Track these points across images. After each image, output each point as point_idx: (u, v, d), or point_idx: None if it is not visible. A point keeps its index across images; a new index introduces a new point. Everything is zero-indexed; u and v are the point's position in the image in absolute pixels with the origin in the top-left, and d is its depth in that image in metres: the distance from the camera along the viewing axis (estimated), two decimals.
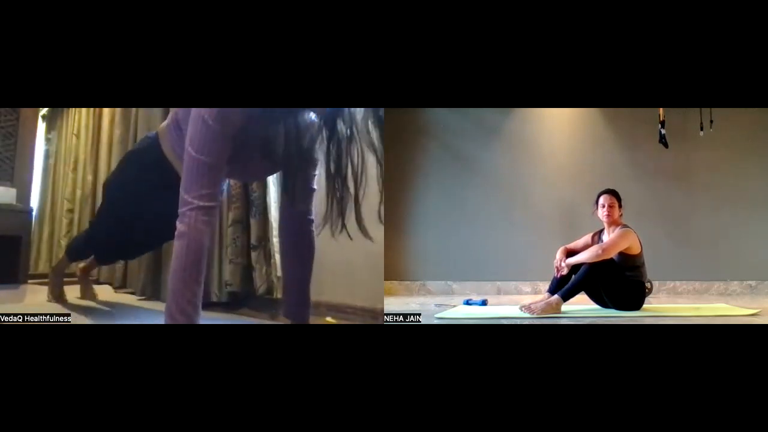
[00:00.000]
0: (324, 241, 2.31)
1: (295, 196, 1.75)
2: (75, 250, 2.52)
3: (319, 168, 1.75)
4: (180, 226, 1.49)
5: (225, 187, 2.33)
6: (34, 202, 4.01)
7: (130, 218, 2.05)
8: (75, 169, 4.07)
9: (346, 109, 1.58)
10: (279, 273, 2.37)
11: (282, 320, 1.98)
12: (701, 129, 3.13)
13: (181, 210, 1.49)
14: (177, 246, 1.48)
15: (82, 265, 2.75)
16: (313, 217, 1.88)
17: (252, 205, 2.47)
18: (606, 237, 2.42)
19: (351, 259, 2.22)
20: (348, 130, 1.57)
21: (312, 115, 1.66)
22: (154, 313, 2.36)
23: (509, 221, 3.67)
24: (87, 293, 2.70)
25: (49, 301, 2.46)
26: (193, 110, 1.54)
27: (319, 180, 1.75)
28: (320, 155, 1.65)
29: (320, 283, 2.08)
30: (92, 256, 2.61)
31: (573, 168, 3.67)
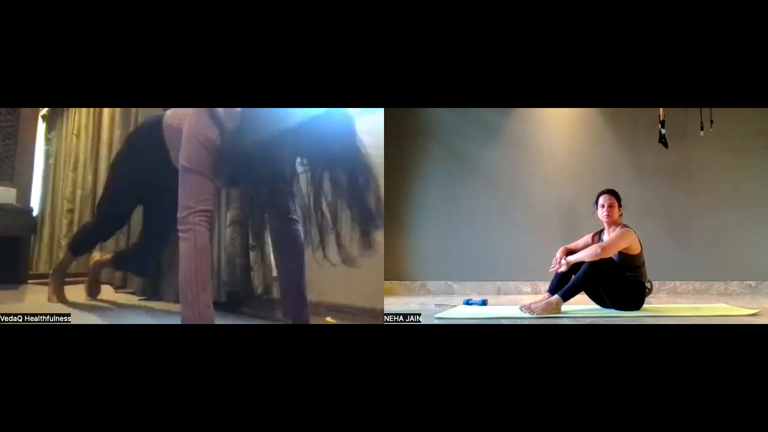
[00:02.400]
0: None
1: (273, 197, 1.87)
2: (80, 242, 2.53)
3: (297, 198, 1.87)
4: (183, 229, 1.59)
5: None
6: (34, 202, 4.00)
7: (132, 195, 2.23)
8: (75, 169, 4.06)
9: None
10: (275, 273, 2.36)
11: (282, 320, 1.97)
12: (701, 129, 3.13)
13: (182, 215, 1.60)
14: (184, 248, 1.58)
15: (96, 258, 2.70)
16: (296, 216, 1.91)
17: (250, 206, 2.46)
18: (606, 237, 2.42)
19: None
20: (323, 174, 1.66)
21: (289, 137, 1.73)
22: (154, 313, 2.35)
23: (509, 221, 3.67)
24: (93, 291, 2.67)
25: (50, 301, 2.46)
26: (185, 131, 1.69)
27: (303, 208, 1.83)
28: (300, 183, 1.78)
29: (320, 283, 2.07)
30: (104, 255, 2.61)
31: (573, 168, 3.67)
